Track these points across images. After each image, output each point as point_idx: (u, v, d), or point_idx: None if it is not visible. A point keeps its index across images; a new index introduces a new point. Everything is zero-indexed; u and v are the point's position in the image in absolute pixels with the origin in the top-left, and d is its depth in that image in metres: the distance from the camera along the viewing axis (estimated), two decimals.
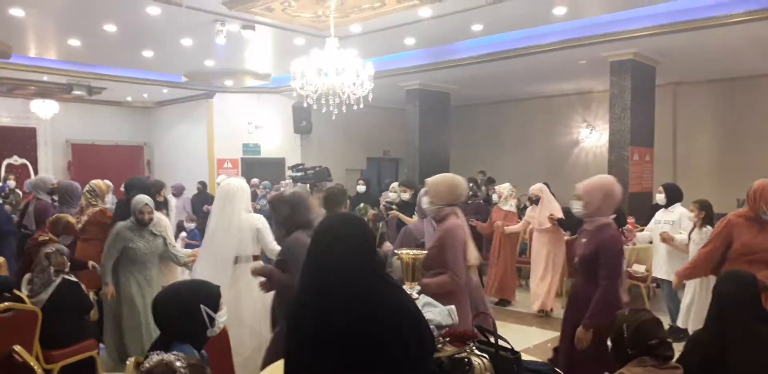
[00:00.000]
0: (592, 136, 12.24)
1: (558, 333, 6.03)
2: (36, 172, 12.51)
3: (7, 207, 7.54)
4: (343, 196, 4.30)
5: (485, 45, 8.70)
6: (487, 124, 13.82)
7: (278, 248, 3.91)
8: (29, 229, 5.94)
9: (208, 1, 6.81)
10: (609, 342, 2.38)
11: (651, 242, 6.25)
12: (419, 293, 2.55)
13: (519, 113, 13.29)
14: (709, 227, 5.12)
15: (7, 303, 3.49)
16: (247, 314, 3.92)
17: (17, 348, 2.59)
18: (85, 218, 5.12)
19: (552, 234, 6.72)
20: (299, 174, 7.79)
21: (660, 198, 5.93)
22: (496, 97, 13.12)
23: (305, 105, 6.68)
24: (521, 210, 7.94)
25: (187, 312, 2.30)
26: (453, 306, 2.93)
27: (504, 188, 7.35)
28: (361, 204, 8.34)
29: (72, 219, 4.89)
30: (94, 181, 5.40)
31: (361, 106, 6.30)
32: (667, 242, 5.54)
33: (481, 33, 8.15)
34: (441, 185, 3.50)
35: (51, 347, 3.84)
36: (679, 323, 5.48)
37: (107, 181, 6.18)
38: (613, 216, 3.49)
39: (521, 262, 7.71)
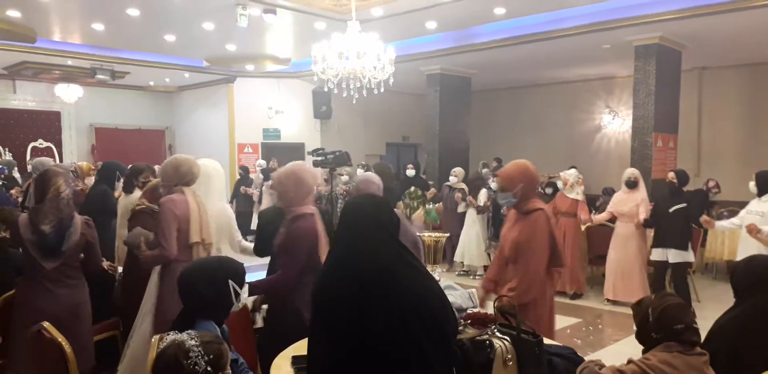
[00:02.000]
0: (615, 122, 12.07)
1: (577, 320, 6.07)
2: (60, 156, 12.72)
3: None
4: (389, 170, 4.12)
5: (508, 29, 8.58)
6: (508, 109, 13.70)
7: (246, 244, 3.82)
8: (27, 209, 6.04)
9: None
10: (634, 327, 2.37)
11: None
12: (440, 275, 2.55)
13: (540, 99, 13.14)
14: None
15: None
16: None
17: (45, 324, 2.64)
18: None
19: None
20: (320, 158, 7.80)
21: (751, 186, 5.48)
22: (516, 82, 12.99)
23: (326, 89, 6.67)
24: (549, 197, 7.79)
25: (216, 287, 2.34)
26: (474, 290, 2.94)
27: (570, 175, 6.94)
28: (412, 188, 8.42)
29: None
30: (79, 162, 5.44)
31: (382, 90, 6.28)
32: (752, 234, 5.16)
33: (503, 16, 8.04)
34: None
35: None
36: None
37: (87, 163, 6.21)
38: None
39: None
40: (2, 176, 8.54)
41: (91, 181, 6.37)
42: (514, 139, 13.36)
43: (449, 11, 7.70)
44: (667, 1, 7.29)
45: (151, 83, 13.69)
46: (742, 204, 8.27)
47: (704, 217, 5.64)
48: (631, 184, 6.43)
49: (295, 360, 2.51)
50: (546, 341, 2.44)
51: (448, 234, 2.62)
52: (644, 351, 2.31)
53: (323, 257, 3.04)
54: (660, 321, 2.24)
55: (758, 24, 7.50)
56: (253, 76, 12.24)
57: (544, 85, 12.91)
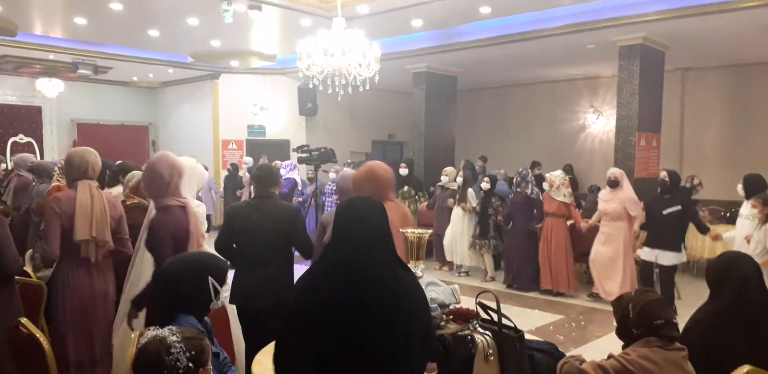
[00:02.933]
0: (599, 122, 12.17)
1: (560, 316, 6.12)
2: (41, 151, 12.55)
3: None
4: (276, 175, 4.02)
5: (493, 28, 8.61)
6: (493, 108, 13.75)
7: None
8: (6, 205, 5.96)
9: None
10: (615, 323, 2.39)
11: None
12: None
13: (525, 98, 13.21)
14: None
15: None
16: None
17: (23, 320, 2.61)
18: None
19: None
20: (304, 155, 7.79)
21: (739, 189, 5.39)
22: (502, 82, 13.04)
23: (311, 86, 6.65)
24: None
25: (195, 282, 2.32)
26: (456, 286, 2.95)
27: (556, 176, 6.89)
28: (405, 188, 8.38)
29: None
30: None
31: (367, 87, 6.27)
32: (716, 240, 5.31)
33: (489, 15, 8.06)
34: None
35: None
36: None
37: None
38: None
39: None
40: None
41: None
42: (500, 138, 13.42)
43: (435, 9, 7.71)
44: (652, 2, 7.36)
45: (135, 78, 13.56)
46: (723, 204, 8.44)
47: (711, 233, 5.63)
48: (613, 184, 6.42)
49: None
50: (527, 336, 2.46)
51: (431, 231, 2.62)
52: (624, 347, 2.33)
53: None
54: (640, 317, 2.26)
55: (741, 26, 7.59)
56: (238, 72, 12.17)
57: (530, 84, 12.97)
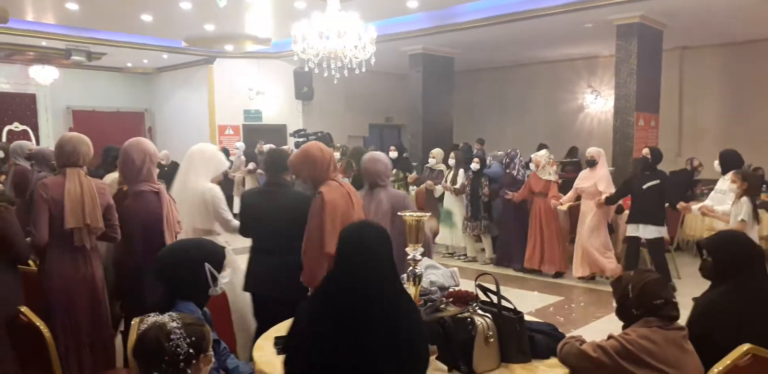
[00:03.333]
0: (597, 102, 12.11)
1: (560, 298, 6.14)
2: (37, 139, 12.49)
3: None
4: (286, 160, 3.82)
5: (489, 8, 8.53)
6: (491, 89, 13.67)
7: (236, 223, 3.70)
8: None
9: None
10: (614, 303, 2.39)
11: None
12: (422, 255, 2.54)
13: (523, 78, 13.13)
14: (744, 198, 4.79)
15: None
16: None
17: (23, 309, 2.61)
18: None
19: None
20: (302, 139, 7.75)
21: (715, 165, 5.70)
22: (499, 62, 12.94)
23: (306, 69, 6.60)
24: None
25: (191, 269, 2.32)
26: (455, 269, 2.95)
27: (541, 156, 6.93)
28: (394, 171, 8.34)
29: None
30: None
31: (363, 70, 6.21)
32: (707, 215, 5.34)
33: None
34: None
35: None
36: None
37: None
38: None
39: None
40: None
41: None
42: (498, 119, 13.37)
43: None
44: None
45: (129, 64, 13.45)
46: None
47: (681, 204, 5.72)
48: (591, 163, 6.57)
49: (278, 341, 2.51)
50: (527, 318, 2.46)
51: (429, 214, 2.60)
52: (624, 327, 2.33)
53: (169, 239, 3.11)
54: (640, 297, 2.26)
55: (739, 3, 7.52)
56: (233, 56, 12.07)
57: (528, 64, 12.88)
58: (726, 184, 5.26)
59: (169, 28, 10.10)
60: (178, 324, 1.86)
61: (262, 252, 3.48)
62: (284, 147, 9.61)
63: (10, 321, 2.66)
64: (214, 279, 2.38)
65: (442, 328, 2.26)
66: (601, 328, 4.95)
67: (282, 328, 2.72)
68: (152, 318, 1.92)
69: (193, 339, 1.85)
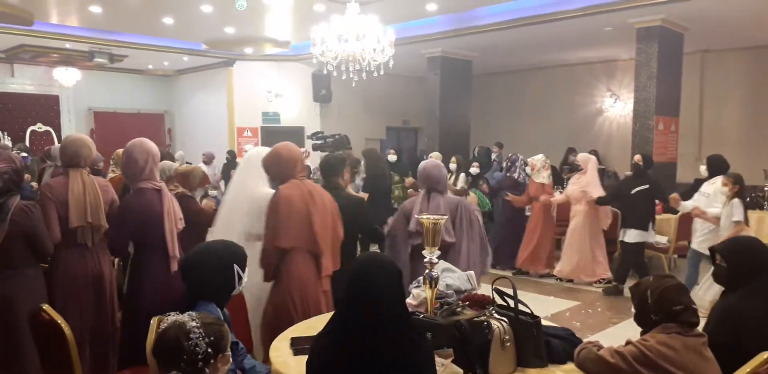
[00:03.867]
0: (617, 106, 12.01)
1: (577, 303, 6.10)
2: (59, 139, 12.67)
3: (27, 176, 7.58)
4: (340, 164, 3.97)
5: (509, 11, 8.49)
6: (509, 92, 13.61)
7: None
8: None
9: None
10: (632, 309, 2.37)
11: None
12: (438, 258, 2.55)
13: (541, 82, 13.05)
14: (735, 200, 5.14)
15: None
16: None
17: (45, 306, 2.65)
18: None
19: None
20: (319, 142, 7.78)
21: (702, 169, 5.99)
22: (518, 66, 12.89)
23: (325, 72, 6.63)
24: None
25: (222, 270, 2.35)
26: (472, 272, 2.95)
27: (537, 160, 7.11)
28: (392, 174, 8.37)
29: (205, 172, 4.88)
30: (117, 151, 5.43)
31: (382, 72, 6.23)
32: (699, 217, 5.57)
33: None
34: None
35: None
36: None
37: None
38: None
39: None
40: (25, 166, 8.40)
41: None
42: (516, 123, 13.30)
43: None
44: None
45: (150, 67, 13.60)
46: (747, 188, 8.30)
47: (673, 195, 5.96)
48: (578, 168, 6.88)
49: (294, 342, 2.52)
50: (544, 322, 2.45)
51: (446, 217, 2.61)
52: (643, 333, 2.31)
53: (169, 235, 3.18)
54: (659, 303, 2.24)
55: (761, 6, 7.41)
56: (252, 59, 12.15)
57: (546, 68, 12.81)
58: (711, 187, 5.62)
59: (189, 31, 10.20)
60: (197, 323, 1.88)
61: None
62: (302, 149, 9.68)
63: (32, 318, 2.71)
64: (239, 279, 2.41)
65: (459, 332, 2.25)
66: (618, 334, 4.90)
67: (298, 329, 2.74)
68: (172, 317, 1.94)
69: (212, 338, 1.87)
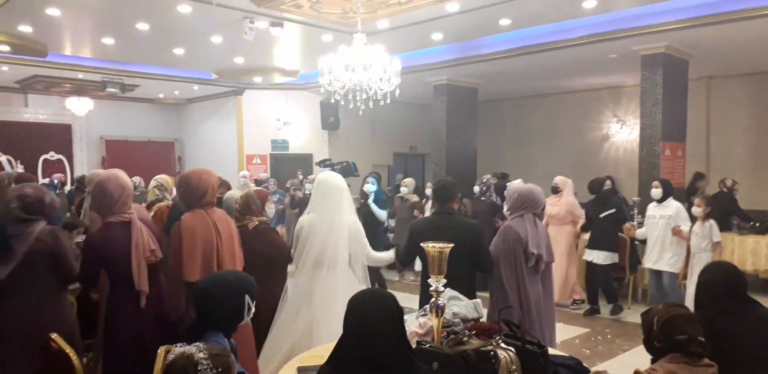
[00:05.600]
0: (623, 132, 12.05)
1: (586, 330, 6.05)
2: (72, 168, 12.83)
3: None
4: (455, 189, 3.86)
5: (513, 39, 8.61)
6: (515, 119, 13.70)
7: (376, 254, 3.87)
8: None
9: None
10: (642, 335, 2.38)
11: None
12: (445, 286, 2.55)
13: (547, 108, 13.14)
14: (711, 221, 5.67)
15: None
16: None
17: (53, 336, 2.66)
18: (151, 213, 4.75)
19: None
20: (326, 169, 7.83)
21: (656, 193, 6.25)
22: (523, 92, 13.00)
23: (332, 101, 6.72)
24: None
25: (235, 302, 2.36)
26: (479, 300, 2.95)
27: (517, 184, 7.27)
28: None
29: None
30: (160, 176, 5.29)
31: (388, 101, 6.31)
32: (678, 235, 5.95)
33: (509, 27, 8.07)
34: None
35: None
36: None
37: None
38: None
39: None
40: (57, 191, 8.30)
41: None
42: (522, 149, 13.35)
43: (455, 23, 7.75)
44: (673, 10, 7.28)
45: (161, 96, 13.81)
46: (752, 213, 8.26)
47: (627, 224, 6.49)
48: (555, 190, 7.12)
49: (301, 371, 2.52)
50: (551, 351, 2.45)
51: (452, 245, 2.61)
52: (653, 361, 2.31)
53: (135, 269, 2.98)
54: (663, 331, 2.24)
55: (764, 33, 7.48)
56: (261, 88, 12.33)
57: (551, 94, 12.92)
58: (664, 210, 6.13)
59: (200, 61, 10.39)
60: (205, 354, 1.89)
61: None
62: (310, 176, 9.70)
63: (42, 346, 2.71)
64: (249, 310, 2.42)
65: (465, 362, 2.25)
66: (628, 361, 4.86)
67: (305, 358, 2.74)
68: (180, 348, 1.95)
69: (220, 370, 1.88)
